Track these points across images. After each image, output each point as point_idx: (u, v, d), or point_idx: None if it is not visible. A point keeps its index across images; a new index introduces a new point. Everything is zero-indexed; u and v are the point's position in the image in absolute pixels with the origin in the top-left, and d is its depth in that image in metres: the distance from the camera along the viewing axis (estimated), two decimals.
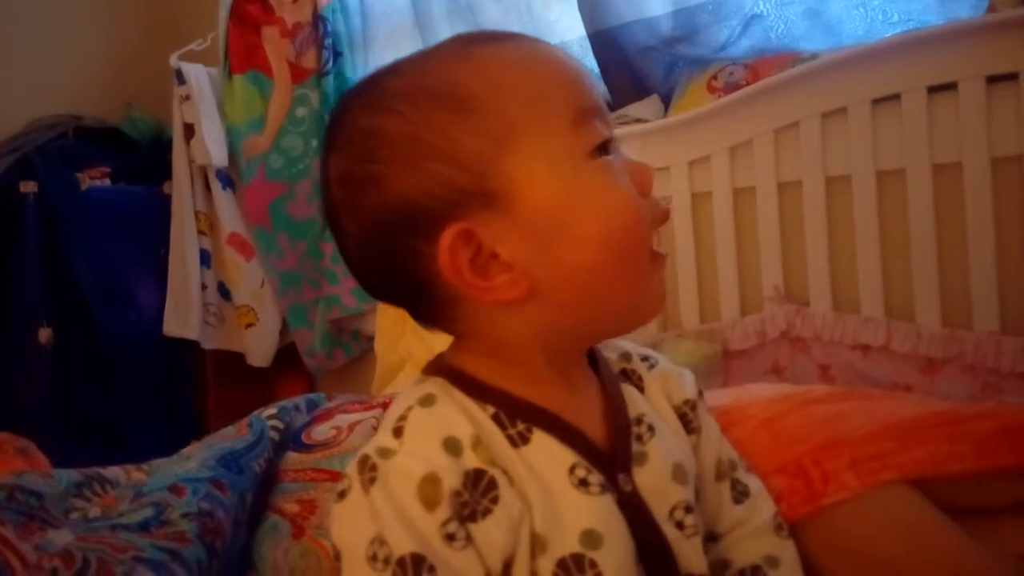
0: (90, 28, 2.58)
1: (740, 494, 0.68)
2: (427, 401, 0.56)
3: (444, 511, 0.51)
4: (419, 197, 0.55)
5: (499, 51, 0.58)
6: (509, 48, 0.58)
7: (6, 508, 0.77)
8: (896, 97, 1.34)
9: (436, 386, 0.58)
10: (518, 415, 0.56)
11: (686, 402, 0.67)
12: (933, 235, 1.33)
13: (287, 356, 2.34)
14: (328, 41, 2.16)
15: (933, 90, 1.31)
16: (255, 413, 0.87)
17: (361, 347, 2.24)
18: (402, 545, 0.50)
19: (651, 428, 0.61)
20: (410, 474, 0.52)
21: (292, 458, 0.84)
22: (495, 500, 0.53)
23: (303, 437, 0.87)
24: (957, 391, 1.29)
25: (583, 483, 0.55)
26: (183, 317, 2.26)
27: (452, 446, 0.53)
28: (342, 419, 0.88)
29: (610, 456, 0.58)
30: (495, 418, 0.56)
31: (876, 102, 1.37)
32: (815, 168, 1.45)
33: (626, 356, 0.68)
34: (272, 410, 0.88)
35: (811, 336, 1.47)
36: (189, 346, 2.32)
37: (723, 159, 1.56)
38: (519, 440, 0.55)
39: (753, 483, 0.70)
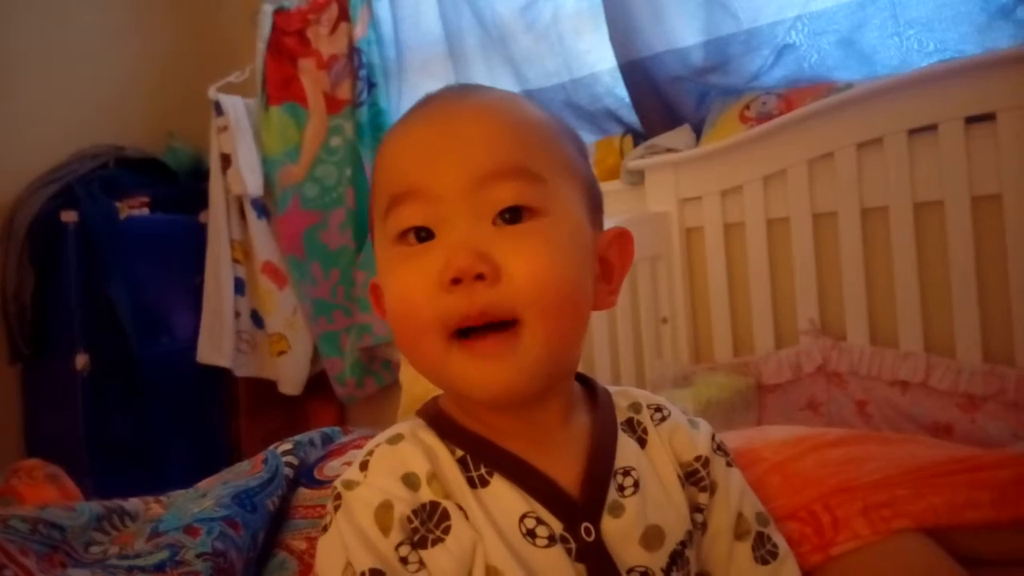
0: (132, 60, 2.65)
1: (768, 554, 0.63)
2: (394, 440, 0.60)
3: (397, 535, 0.55)
4: None
5: (401, 126, 0.63)
6: (407, 122, 0.62)
7: (30, 539, 0.78)
8: (933, 128, 1.31)
9: (408, 426, 0.62)
10: (483, 459, 0.59)
11: (697, 458, 0.64)
12: (973, 268, 1.29)
13: (318, 384, 2.35)
14: (363, 72, 2.19)
15: (971, 120, 1.28)
16: (271, 448, 0.87)
17: (392, 376, 2.23)
18: (363, 563, 0.54)
19: (636, 484, 0.60)
20: (369, 502, 0.56)
21: (303, 494, 0.83)
22: (447, 531, 0.56)
23: (315, 473, 0.86)
24: (998, 429, 1.24)
25: (530, 534, 0.56)
26: (216, 344, 2.28)
27: (410, 480, 0.57)
28: (355, 454, 0.87)
29: (578, 503, 0.58)
30: (461, 461, 0.59)
31: (913, 132, 1.34)
32: (851, 199, 1.42)
33: (635, 406, 0.66)
34: (288, 445, 0.88)
35: (848, 371, 1.44)
36: (222, 373, 2.34)
37: (756, 189, 1.54)
38: (479, 482, 0.58)
39: (782, 544, 0.65)
